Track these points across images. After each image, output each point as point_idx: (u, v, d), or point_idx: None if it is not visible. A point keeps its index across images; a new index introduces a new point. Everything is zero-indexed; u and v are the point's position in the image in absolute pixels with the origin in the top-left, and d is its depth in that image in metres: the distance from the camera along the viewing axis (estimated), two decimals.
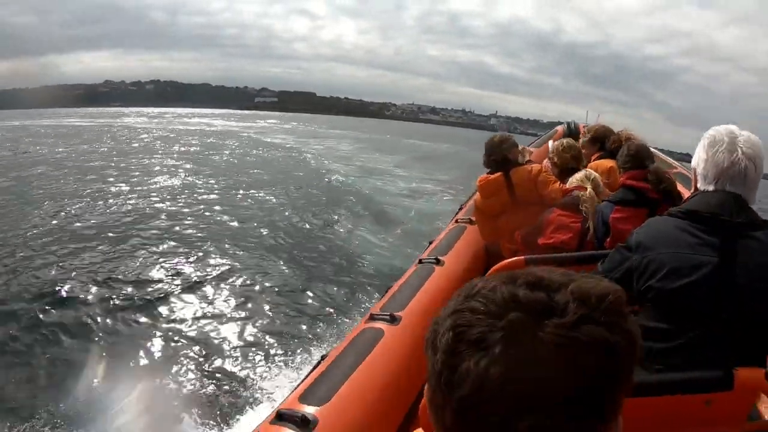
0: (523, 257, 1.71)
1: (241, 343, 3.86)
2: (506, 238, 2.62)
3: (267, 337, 3.95)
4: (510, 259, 1.72)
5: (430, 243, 2.89)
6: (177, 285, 4.89)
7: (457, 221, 3.15)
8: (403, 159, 18.51)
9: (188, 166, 13.15)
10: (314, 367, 1.57)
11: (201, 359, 3.61)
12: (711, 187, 1.25)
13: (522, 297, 0.37)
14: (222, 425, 2.91)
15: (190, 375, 3.42)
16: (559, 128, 5.51)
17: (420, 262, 2.46)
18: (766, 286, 1.15)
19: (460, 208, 3.49)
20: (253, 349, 3.76)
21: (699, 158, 1.29)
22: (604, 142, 3.20)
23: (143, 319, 4.21)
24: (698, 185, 1.29)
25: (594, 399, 0.37)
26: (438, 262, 2.40)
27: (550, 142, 3.69)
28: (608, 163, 2.86)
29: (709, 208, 1.21)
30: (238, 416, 2.98)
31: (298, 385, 1.48)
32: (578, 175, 2.42)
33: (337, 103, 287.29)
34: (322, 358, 1.63)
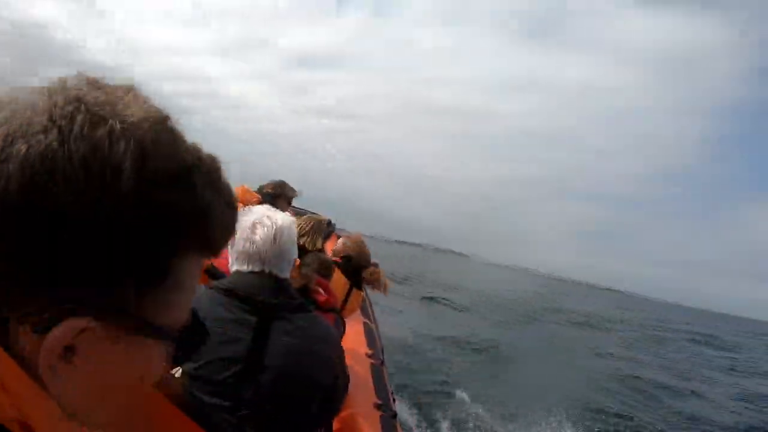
0: None
1: None
2: None
3: None
4: None
5: None
6: None
7: None
8: None
9: None
10: None
11: None
12: (245, 267, 1.28)
13: None
14: None
15: None
16: None
17: None
18: (292, 369, 1.21)
19: None
20: None
21: (236, 239, 1.29)
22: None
23: None
24: (234, 264, 1.31)
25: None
26: None
27: None
28: None
29: (246, 288, 1.25)
30: None
31: None
32: None
33: None
34: None
